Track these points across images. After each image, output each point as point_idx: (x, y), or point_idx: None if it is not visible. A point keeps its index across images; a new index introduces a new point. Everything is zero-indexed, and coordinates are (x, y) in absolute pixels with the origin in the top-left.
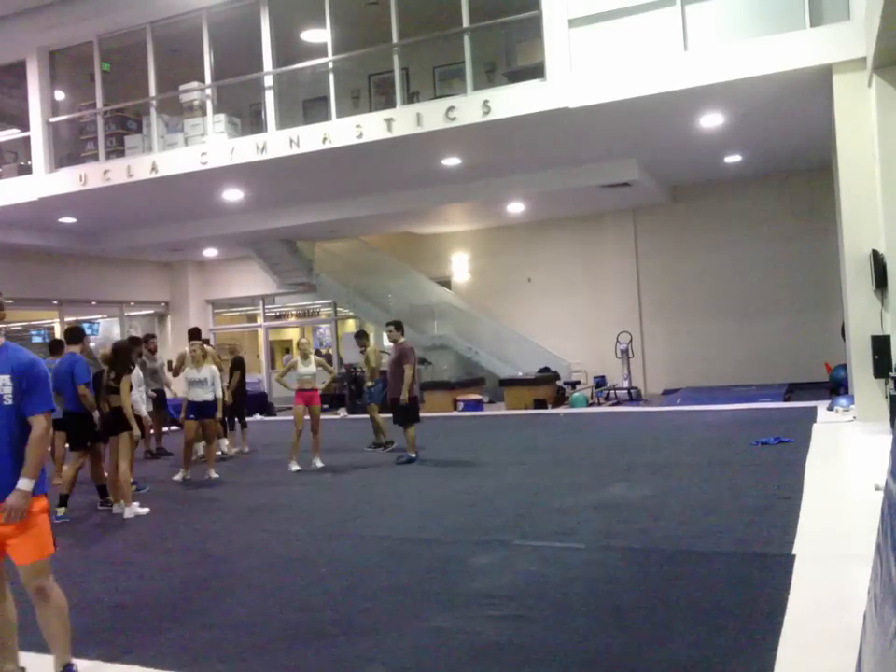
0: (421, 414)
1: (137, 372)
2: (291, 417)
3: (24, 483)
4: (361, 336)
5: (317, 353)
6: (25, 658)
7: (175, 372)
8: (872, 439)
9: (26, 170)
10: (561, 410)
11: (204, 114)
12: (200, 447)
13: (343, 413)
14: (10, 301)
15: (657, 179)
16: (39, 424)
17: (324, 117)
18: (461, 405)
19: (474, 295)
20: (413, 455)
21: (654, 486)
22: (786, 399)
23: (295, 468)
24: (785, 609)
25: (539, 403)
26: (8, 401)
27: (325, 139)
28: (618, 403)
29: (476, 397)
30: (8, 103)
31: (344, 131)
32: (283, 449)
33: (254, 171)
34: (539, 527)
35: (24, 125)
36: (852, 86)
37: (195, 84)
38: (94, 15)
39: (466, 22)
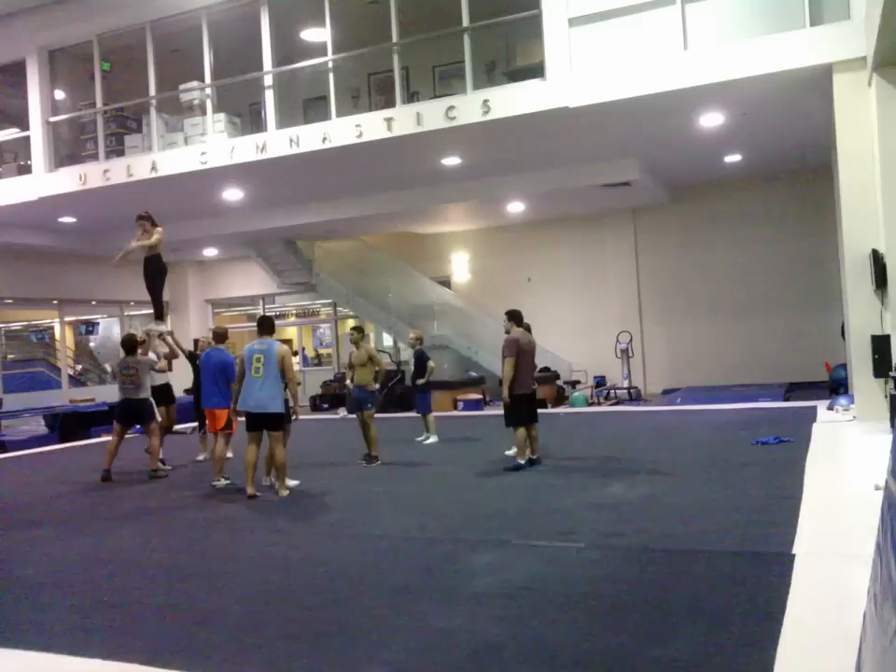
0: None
1: None
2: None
3: None
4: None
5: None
6: (25, 658)
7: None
8: (872, 438)
9: (26, 170)
10: (561, 409)
11: (204, 113)
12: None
13: (342, 412)
14: (10, 301)
15: (657, 179)
16: None
17: (324, 116)
18: (461, 405)
19: (474, 295)
20: (521, 462)
21: (654, 486)
22: (786, 399)
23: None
24: (785, 608)
25: (539, 403)
26: None
27: (325, 139)
28: (618, 403)
29: (476, 396)
30: (8, 102)
31: (344, 130)
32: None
33: (254, 170)
34: (539, 527)
35: (24, 125)
36: (852, 85)
37: (195, 83)
38: (94, 14)
39: (466, 22)
